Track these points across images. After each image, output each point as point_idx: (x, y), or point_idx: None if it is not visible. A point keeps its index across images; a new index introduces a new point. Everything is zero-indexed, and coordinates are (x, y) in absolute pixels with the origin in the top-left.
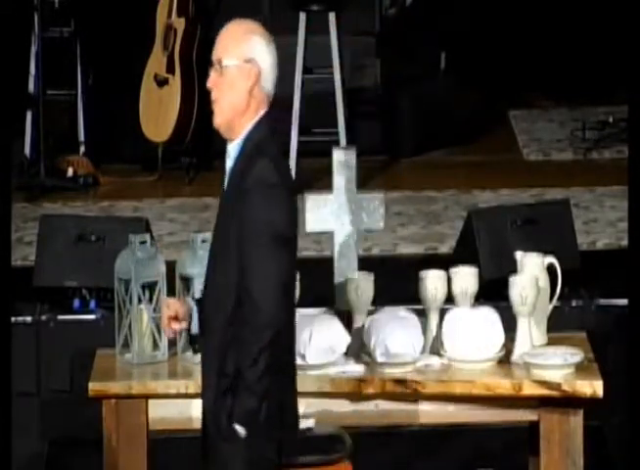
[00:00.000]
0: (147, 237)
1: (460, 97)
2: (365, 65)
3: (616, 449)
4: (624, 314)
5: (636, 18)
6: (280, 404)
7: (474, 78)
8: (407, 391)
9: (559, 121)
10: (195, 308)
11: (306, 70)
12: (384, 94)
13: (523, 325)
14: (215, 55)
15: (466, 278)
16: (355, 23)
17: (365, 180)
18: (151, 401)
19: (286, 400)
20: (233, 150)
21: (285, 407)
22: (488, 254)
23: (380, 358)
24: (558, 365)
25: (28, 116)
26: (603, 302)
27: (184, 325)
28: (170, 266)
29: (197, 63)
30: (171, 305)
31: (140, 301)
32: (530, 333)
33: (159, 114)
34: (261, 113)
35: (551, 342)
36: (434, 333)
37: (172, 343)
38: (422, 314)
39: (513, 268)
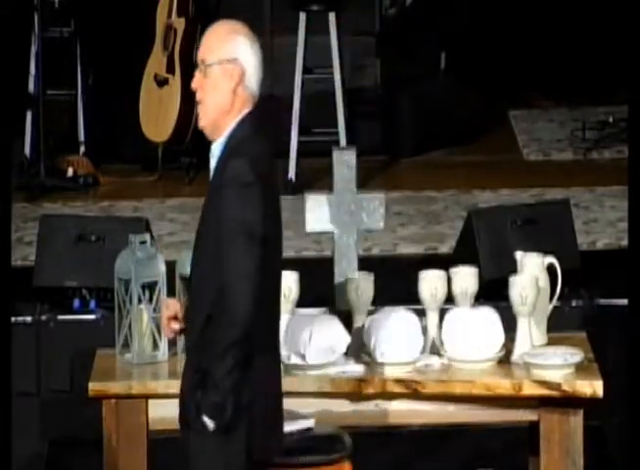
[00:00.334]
0: (147, 237)
1: (460, 97)
2: (365, 65)
3: (616, 449)
4: (624, 314)
5: (636, 18)
6: (251, 403)
7: (474, 78)
8: (407, 391)
9: (559, 121)
10: None
11: (306, 70)
12: (384, 94)
13: (523, 325)
14: (200, 55)
15: (466, 278)
16: (355, 23)
17: (365, 180)
18: (151, 401)
19: (260, 399)
20: (216, 149)
21: (259, 408)
22: (488, 254)
23: (380, 358)
24: (558, 365)
25: (28, 116)
26: (603, 302)
27: (183, 325)
28: (170, 266)
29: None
30: (170, 306)
31: (140, 301)
32: (530, 333)
33: (159, 114)
34: (245, 112)
35: (551, 342)
36: (434, 333)
37: (172, 343)
38: (422, 314)
39: (513, 268)
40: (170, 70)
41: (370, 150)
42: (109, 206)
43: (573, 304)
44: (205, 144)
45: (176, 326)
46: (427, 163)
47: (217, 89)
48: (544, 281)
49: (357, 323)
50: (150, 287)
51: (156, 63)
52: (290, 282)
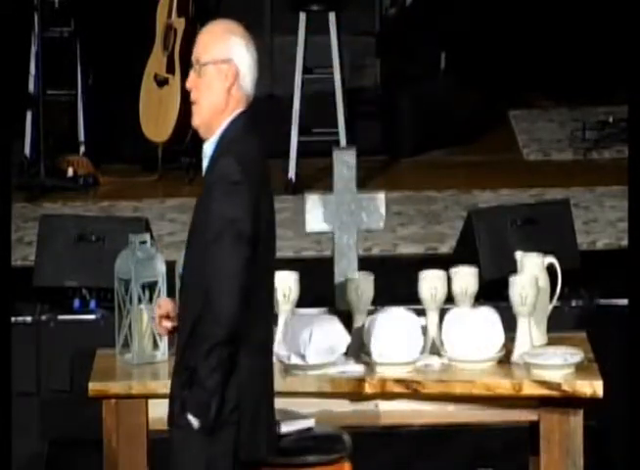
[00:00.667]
0: (147, 237)
1: (460, 97)
2: (365, 65)
3: (616, 449)
4: (624, 314)
5: (636, 18)
6: (238, 403)
7: (474, 78)
8: (407, 391)
9: (559, 121)
10: None
11: (306, 70)
12: (384, 94)
13: (523, 325)
14: (194, 55)
15: (466, 278)
16: (355, 23)
17: (365, 180)
18: (151, 401)
19: (248, 400)
20: (208, 149)
21: (246, 408)
22: (488, 254)
23: (380, 358)
24: (558, 365)
25: (28, 116)
26: (603, 302)
27: (176, 324)
28: (170, 266)
29: None
30: (163, 305)
31: (140, 301)
32: (530, 333)
33: (159, 114)
34: (238, 112)
35: (551, 342)
36: (434, 333)
37: (172, 343)
38: (422, 314)
39: (513, 268)
40: (170, 70)
41: (370, 150)
42: (109, 206)
43: (573, 304)
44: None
45: (168, 325)
46: (427, 163)
47: (211, 89)
48: (544, 281)
49: (357, 323)
50: (150, 287)
51: (156, 63)
52: (290, 282)
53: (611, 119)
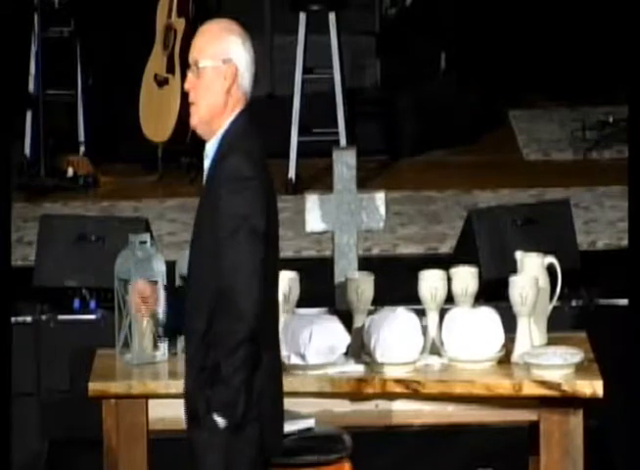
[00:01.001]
0: (147, 237)
1: (460, 97)
2: (365, 65)
3: (616, 449)
4: (624, 314)
5: (636, 18)
6: (260, 400)
7: (474, 78)
8: (407, 391)
9: (559, 121)
10: (164, 293)
11: (306, 70)
12: (384, 94)
13: (523, 325)
14: (192, 56)
15: (466, 278)
16: (355, 23)
17: (365, 180)
18: (151, 401)
19: (267, 397)
20: (211, 149)
21: (266, 404)
22: (488, 254)
23: (380, 358)
24: (558, 365)
25: (28, 116)
26: (603, 302)
27: (153, 307)
28: (170, 266)
29: None
30: (141, 288)
31: None
32: (530, 333)
33: (159, 114)
34: (238, 111)
35: (551, 342)
36: (433, 333)
37: (172, 343)
38: (422, 314)
39: (513, 268)
40: (170, 70)
41: (370, 150)
42: (109, 206)
43: (573, 304)
44: (205, 144)
45: (143, 308)
46: (427, 163)
47: (210, 90)
48: (544, 281)
49: (357, 323)
50: None
51: (156, 63)
52: (290, 282)
53: (611, 119)
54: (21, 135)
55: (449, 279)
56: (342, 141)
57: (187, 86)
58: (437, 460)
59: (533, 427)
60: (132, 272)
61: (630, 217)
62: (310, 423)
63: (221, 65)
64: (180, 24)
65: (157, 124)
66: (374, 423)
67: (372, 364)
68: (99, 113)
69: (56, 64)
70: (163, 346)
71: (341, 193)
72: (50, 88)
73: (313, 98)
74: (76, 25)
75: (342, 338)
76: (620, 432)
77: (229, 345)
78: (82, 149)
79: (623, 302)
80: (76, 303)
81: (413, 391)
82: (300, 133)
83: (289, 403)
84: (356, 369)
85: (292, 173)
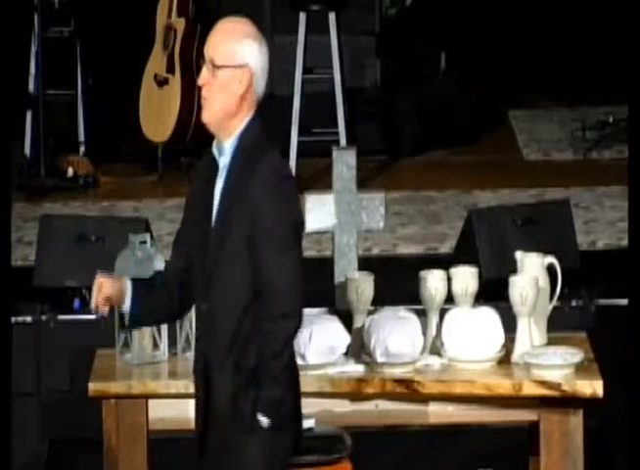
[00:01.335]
0: (147, 237)
1: (460, 97)
2: (365, 65)
3: (616, 449)
4: (624, 314)
5: (636, 18)
6: (297, 396)
7: (474, 78)
8: (407, 391)
9: (559, 121)
10: (130, 287)
11: (306, 70)
12: (384, 94)
13: (523, 325)
14: (207, 53)
15: (466, 278)
16: (355, 23)
17: (365, 180)
18: (151, 401)
19: (299, 394)
20: (228, 148)
21: (299, 400)
22: (488, 254)
23: (380, 358)
24: (558, 365)
25: (28, 116)
26: (603, 302)
27: (115, 303)
28: None
29: (197, 63)
30: (105, 287)
31: None
32: (530, 333)
33: (159, 114)
34: (251, 113)
35: (551, 342)
36: (433, 333)
37: (172, 343)
38: (422, 314)
39: (513, 268)
40: (170, 69)
41: (370, 150)
42: (109, 206)
43: (573, 304)
44: (205, 144)
45: (106, 308)
46: (427, 163)
47: (225, 92)
48: (544, 281)
49: (357, 323)
50: None
51: (156, 63)
52: None
53: (611, 119)
54: (21, 135)
55: (449, 279)
56: (343, 141)
57: (201, 82)
58: (437, 460)
59: (533, 427)
60: (132, 272)
61: (630, 217)
62: (310, 423)
63: (237, 69)
64: (180, 24)
65: (157, 124)
66: (374, 423)
67: (372, 364)
68: (99, 113)
69: (56, 64)
70: (163, 346)
71: (341, 193)
72: (50, 88)
73: (313, 98)
74: (76, 25)
75: (342, 338)
76: (620, 432)
77: (278, 344)
78: (82, 149)
79: (623, 302)
80: (76, 303)
81: (413, 391)
82: (300, 133)
83: None
84: (356, 369)
85: None
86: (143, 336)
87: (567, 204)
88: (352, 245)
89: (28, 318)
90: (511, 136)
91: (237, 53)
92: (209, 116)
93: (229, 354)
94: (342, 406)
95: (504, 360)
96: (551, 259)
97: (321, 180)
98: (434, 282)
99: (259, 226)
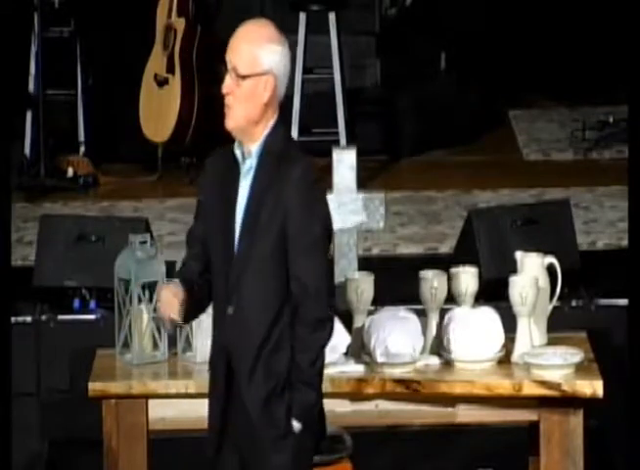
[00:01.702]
0: (147, 237)
1: (460, 97)
2: (365, 65)
3: (616, 449)
4: (624, 314)
5: (636, 18)
6: (321, 397)
7: (474, 78)
8: (407, 391)
9: (559, 121)
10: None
11: (306, 70)
12: (384, 94)
13: (523, 325)
14: (231, 60)
15: (466, 278)
16: (355, 23)
17: (365, 180)
18: (151, 401)
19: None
20: (255, 152)
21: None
22: (488, 254)
23: (380, 358)
24: (558, 365)
25: (28, 116)
26: (603, 302)
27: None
28: (170, 266)
29: (197, 63)
30: (176, 292)
31: (140, 301)
32: (530, 333)
33: (159, 114)
34: (275, 116)
35: (551, 342)
36: (433, 333)
37: (172, 343)
38: (422, 314)
39: (513, 268)
40: (170, 70)
41: (370, 150)
42: (109, 206)
43: (573, 304)
44: (204, 144)
45: (174, 317)
46: (427, 163)
47: (250, 101)
48: (544, 281)
49: (357, 323)
50: (150, 287)
51: (156, 63)
52: None
53: (611, 119)
54: (21, 135)
55: (449, 279)
56: (343, 141)
57: (225, 90)
58: (437, 460)
59: (533, 427)
60: (132, 272)
61: (630, 217)
62: None
63: (261, 76)
64: (180, 24)
65: (157, 124)
66: (374, 423)
67: (372, 364)
68: (99, 113)
69: (56, 64)
70: (163, 346)
71: (341, 193)
72: (50, 88)
73: (313, 98)
74: (76, 25)
75: (342, 338)
76: (620, 432)
77: (313, 351)
78: (82, 149)
79: (623, 302)
80: (76, 303)
81: (413, 391)
82: (300, 133)
83: None
84: (356, 369)
85: None
86: (143, 336)
87: (567, 204)
88: (352, 245)
89: (28, 318)
90: (511, 136)
91: (260, 60)
92: (233, 124)
93: (259, 359)
94: (342, 406)
95: (504, 360)
96: (551, 259)
97: (321, 180)
98: (434, 282)
99: (293, 230)
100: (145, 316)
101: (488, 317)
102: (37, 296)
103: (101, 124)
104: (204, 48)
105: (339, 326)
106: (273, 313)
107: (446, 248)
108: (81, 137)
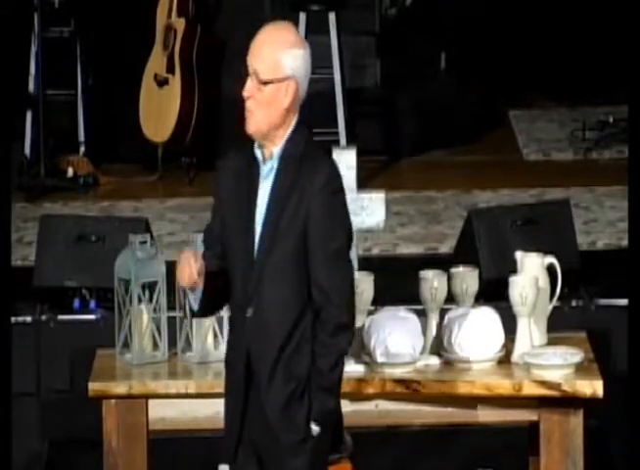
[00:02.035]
0: (147, 237)
1: (460, 97)
2: (365, 65)
3: (616, 449)
4: (624, 314)
5: (636, 18)
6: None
7: (474, 78)
8: (407, 391)
9: (559, 121)
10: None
11: None
12: (384, 94)
13: (523, 325)
14: (252, 65)
15: (466, 278)
16: (355, 23)
17: (365, 180)
18: (151, 401)
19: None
20: (276, 153)
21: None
22: (488, 254)
23: (380, 358)
24: (558, 365)
25: (28, 116)
26: (603, 302)
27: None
28: (170, 266)
29: (197, 63)
30: (193, 259)
31: (140, 301)
32: (530, 333)
33: (159, 114)
34: (297, 118)
35: (551, 342)
36: (433, 333)
37: (172, 343)
38: (422, 314)
39: (513, 268)
40: (170, 69)
41: (370, 150)
42: (109, 206)
43: (573, 304)
44: (204, 144)
45: (201, 284)
46: (427, 163)
47: (272, 106)
48: (544, 281)
49: (357, 323)
50: (150, 287)
51: (156, 63)
52: None
53: (611, 119)
54: (21, 135)
55: (449, 279)
56: (342, 141)
57: (246, 94)
58: (437, 460)
59: (533, 427)
60: (132, 272)
61: (630, 217)
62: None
63: (283, 82)
64: (180, 24)
65: (157, 124)
66: (374, 423)
67: (372, 364)
68: (99, 113)
69: (56, 64)
70: (163, 346)
71: None
72: (50, 88)
73: (313, 98)
74: (76, 25)
75: None
76: (620, 432)
77: (333, 356)
78: (82, 149)
79: (623, 302)
80: (76, 303)
81: (413, 391)
82: None
83: None
84: (356, 369)
85: None
86: (143, 336)
87: (567, 204)
88: (352, 245)
89: (28, 318)
90: (511, 136)
91: (282, 65)
92: (255, 128)
93: (279, 362)
94: (342, 406)
95: (504, 360)
96: (551, 259)
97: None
98: (434, 282)
99: (315, 239)
100: (145, 316)
101: (488, 317)
102: (37, 296)
103: (101, 124)
104: (204, 48)
105: None
106: (294, 315)
107: (446, 248)
108: (81, 137)
